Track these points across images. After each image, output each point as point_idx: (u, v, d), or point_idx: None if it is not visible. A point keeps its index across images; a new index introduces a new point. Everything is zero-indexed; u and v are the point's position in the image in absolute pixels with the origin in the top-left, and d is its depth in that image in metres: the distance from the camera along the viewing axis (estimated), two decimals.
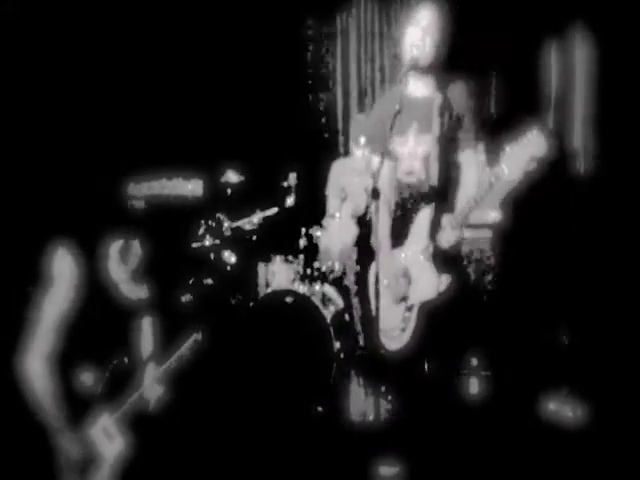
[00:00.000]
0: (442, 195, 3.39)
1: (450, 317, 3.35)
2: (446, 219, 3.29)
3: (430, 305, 3.35)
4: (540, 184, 4.09)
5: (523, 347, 4.40)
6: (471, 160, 3.38)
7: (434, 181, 3.38)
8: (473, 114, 3.38)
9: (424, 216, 3.39)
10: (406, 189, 3.46)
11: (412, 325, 3.38)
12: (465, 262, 3.61)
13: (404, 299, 3.42)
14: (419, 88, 3.44)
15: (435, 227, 3.33)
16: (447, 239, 3.29)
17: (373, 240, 3.37)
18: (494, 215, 4.47)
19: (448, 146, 3.37)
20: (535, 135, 2.99)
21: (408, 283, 3.41)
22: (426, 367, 3.57)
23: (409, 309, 3.41)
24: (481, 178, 3.24)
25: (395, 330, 3.43)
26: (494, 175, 3.09)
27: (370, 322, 3.99)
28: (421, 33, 3.34)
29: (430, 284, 3.34)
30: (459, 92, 3.41)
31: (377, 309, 3.13)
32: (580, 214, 4.74)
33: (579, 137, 5.11)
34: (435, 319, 3.36)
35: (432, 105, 3.39)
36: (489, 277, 4.45)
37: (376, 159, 3.38)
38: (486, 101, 5.35)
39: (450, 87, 3.42)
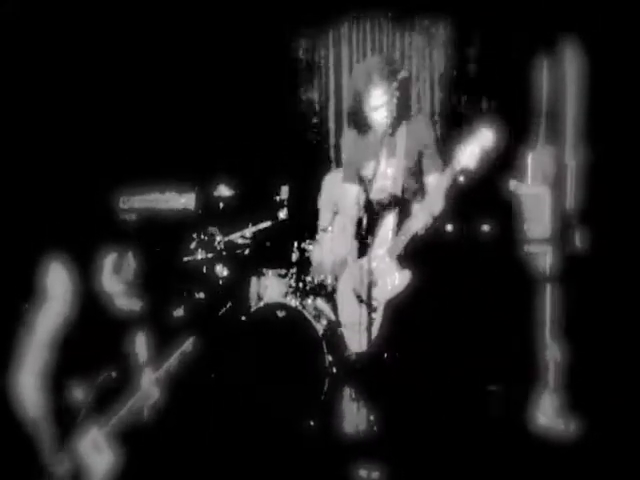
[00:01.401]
0: (406, 203, 3.71)
1: (415, 314, 3.63)
2: (415, 207, 3.64)
3: (394, 303, 3.62)
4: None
5: (506, 353, 4.42)
6: (437, 183, 3.62)
7: (399, 194, 3.73)
8: (437, 143, 3.78)
9: (388, 220, 3.71)
10: (377, 206, 3.80)
11: (377, 324, 3.64)
12: (432, 257, 3.74)
13: (369, 301, 3.60)
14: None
15: (400, 225, 3.65)
16: (416, 225, 3.59)
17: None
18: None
19: (413, 168, 3.75)
20: (484, 131, 3.43)
21: (373, 286, 3.60)
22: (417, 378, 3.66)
23: (374, 310, 3.64)
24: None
25: (362, 330, 3.65)
26: (452, 167, 3.48)
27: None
28: (384, 99, 3.65)
29: (392, 282, 3.62)
30: (421, 124, 3.81)
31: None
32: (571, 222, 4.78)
33: (570, 148, 5.15)
34: (400, 317, 3.63)
35: (397, 133, 3.76)
36: (462, 274, 4.50)
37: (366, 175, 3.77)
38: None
39: (413, 120, 3.81)
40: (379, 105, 3.66)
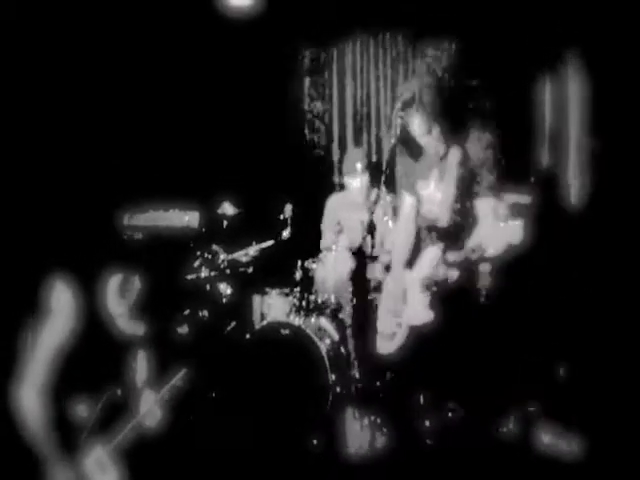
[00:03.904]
0: (454, 236, 3.64)
1: (436, 345, 3.62)
2: (448, 256, 3.57)
3: (417, 329, 3.67)
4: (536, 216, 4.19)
5: (517, 380, 4.40)
6: (487, 211, 3.58)
7: (450, 222, 3.68)
8: (489, 164, 3.62)
9: (432, 251, 3.68)
10: (426, 222, 3.79)
11: (400, 337, 3.75)
12: (459, 299, 3.71)
13: (397, 314, 3.75)
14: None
15: (438, 263, 3.62)
16: (437, 274, 3.58)
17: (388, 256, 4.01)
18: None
19: (465, 194, 3.64)
20: None
21: (403, 302, 3.73)
22: (420, 399, 3.67)
23: (399, 325, 3.74)
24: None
25: (386, 334, 3.81)
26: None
27: (365, 354, 4.05)
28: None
29: (419, 313, 3.65)
30: (478, 144, 3.72)
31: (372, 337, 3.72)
32: (574, 244, 4.78)
33: (573, 169, 5.17)
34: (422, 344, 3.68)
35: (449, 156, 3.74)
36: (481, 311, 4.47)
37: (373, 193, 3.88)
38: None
39: (469, 140, 3.74)
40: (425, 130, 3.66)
